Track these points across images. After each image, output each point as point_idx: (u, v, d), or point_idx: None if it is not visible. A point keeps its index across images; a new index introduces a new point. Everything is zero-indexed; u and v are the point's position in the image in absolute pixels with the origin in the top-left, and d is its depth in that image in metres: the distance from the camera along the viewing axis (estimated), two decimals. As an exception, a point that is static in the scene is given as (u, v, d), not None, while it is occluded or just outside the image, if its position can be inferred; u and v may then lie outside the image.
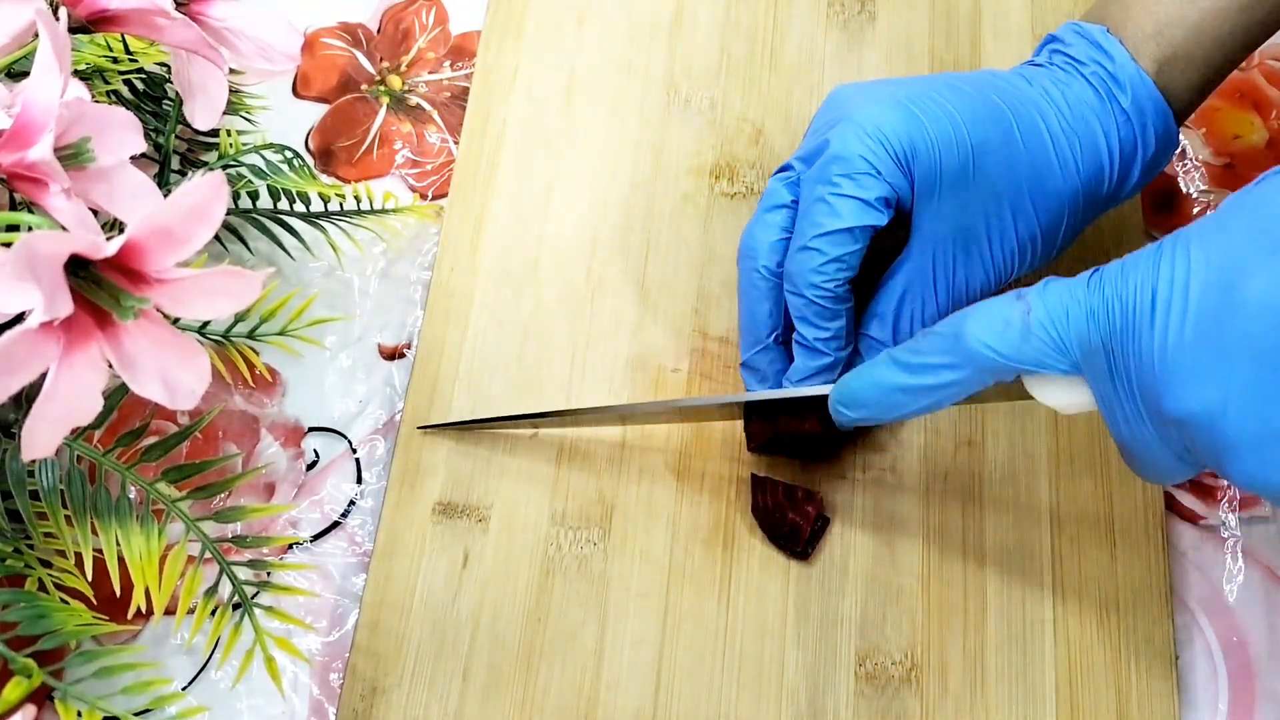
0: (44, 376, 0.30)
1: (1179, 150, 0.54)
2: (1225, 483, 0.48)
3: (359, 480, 0.48)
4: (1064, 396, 0.36)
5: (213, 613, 0.41)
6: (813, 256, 0.41)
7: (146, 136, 0.37)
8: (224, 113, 0.42)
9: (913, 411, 0.38)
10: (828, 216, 0.41)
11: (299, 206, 0.50)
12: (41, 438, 0.31)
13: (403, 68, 0.57)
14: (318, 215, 0.50)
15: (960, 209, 0.42)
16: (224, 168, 0.48)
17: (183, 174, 0.50)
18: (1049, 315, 0.35)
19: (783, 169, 0.45)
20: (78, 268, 0.31)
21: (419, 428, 0.48)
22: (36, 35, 0.34)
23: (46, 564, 0.41)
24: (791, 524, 0.44)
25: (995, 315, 0.35)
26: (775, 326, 0.45)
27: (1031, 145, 0.42)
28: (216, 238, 0.38)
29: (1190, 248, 0.32)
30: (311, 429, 0.49)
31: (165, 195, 0.36)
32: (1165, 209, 0.53)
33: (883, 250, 0.43)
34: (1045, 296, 0.35)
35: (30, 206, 0.33)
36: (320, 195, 0.50)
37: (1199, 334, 0.31)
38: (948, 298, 0.43)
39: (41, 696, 0.44)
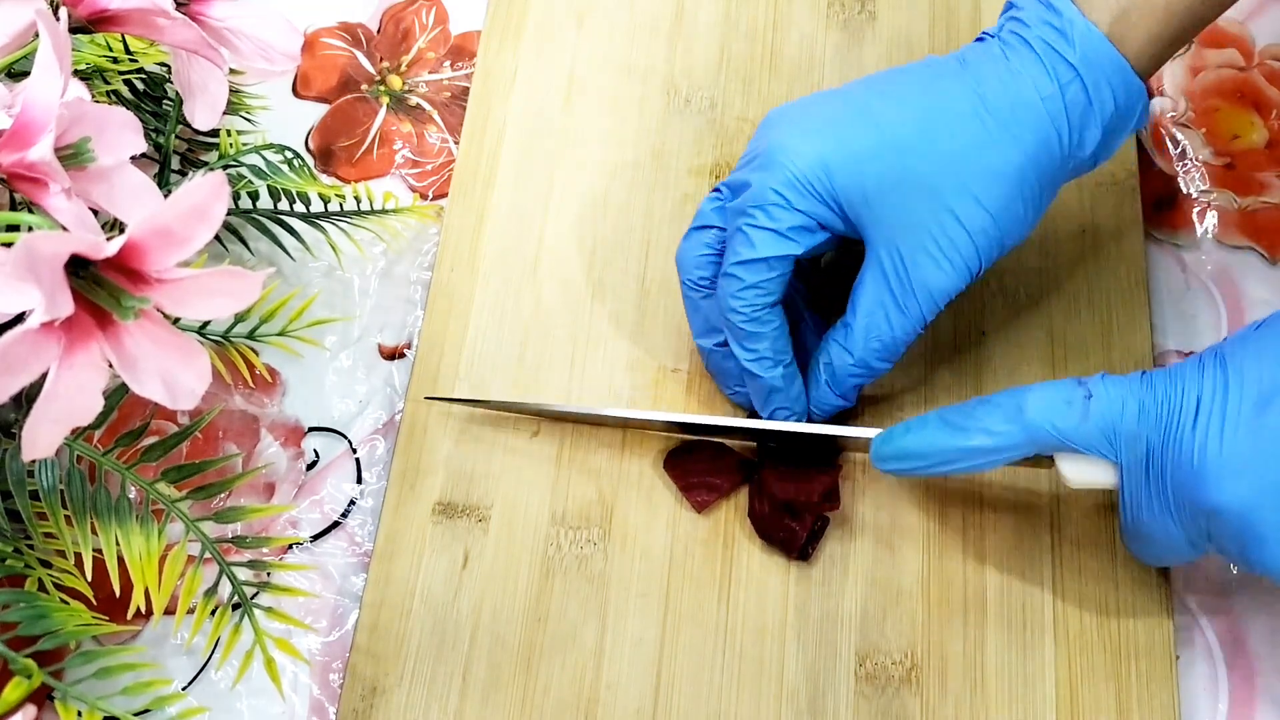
0: (44, 376, 0.30)
1: (1179, 151, 0.54)
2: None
3: (359, 480, 0.48)
4: (1088, 474, 0.40)
5: (212, 613, 0.41)
6: (732, 283, 0.43)
7: (146, 136, 0.37)
8: (224, 113, 0.42)
9: (956, 469, 0.41)
10: (744, 246, 0.42)
11: (299, 207, 0.50)
12: (42, 438, 0.31)
13: (403, 68, 0.57)
14: (318, 215, 0.50)
15: (898, 212, 0.41)
16: (224, 168, 0.48)
17: (183, 174, 0.50)
18: (1108, 404, 0.39)
19: (715, 191, 0.45)
20: (78, 268, 0.31)
21: (426, 397, 0.48)
22: (36, 35, 0.34)
23: (46, 564, 0.41)
24: (787, 530, 0.44)
25: (1058, 396, 0.39)
26: (710, 332, 0.46)
27: (959, 130, 0.41)
28: (217, 238, 0.38)
29: (1227, 355, 0.37)
30: (311, 429, 0.49)
31: (165, 195, 0.36)
32: (1165, 209, 0.53)
33: (857, 259, 0.44)
34: (1104, 387, 0.39)
35: (30, 206, 0.33)
36: (320, 195, 0.50)
37: (1237, 437, 0.36)
38: (911, 300, 0.42)
39: (41, 697, 0.44)
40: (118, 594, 0.39)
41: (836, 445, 0.46)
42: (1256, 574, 0.37)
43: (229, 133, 0.49)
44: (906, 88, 0.43)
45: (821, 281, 0.48)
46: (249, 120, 0.53)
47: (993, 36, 0.43)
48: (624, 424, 0.47)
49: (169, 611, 0.45)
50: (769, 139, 0.43)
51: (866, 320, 0.43)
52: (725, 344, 0.45)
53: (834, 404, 0.45)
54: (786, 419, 0.45)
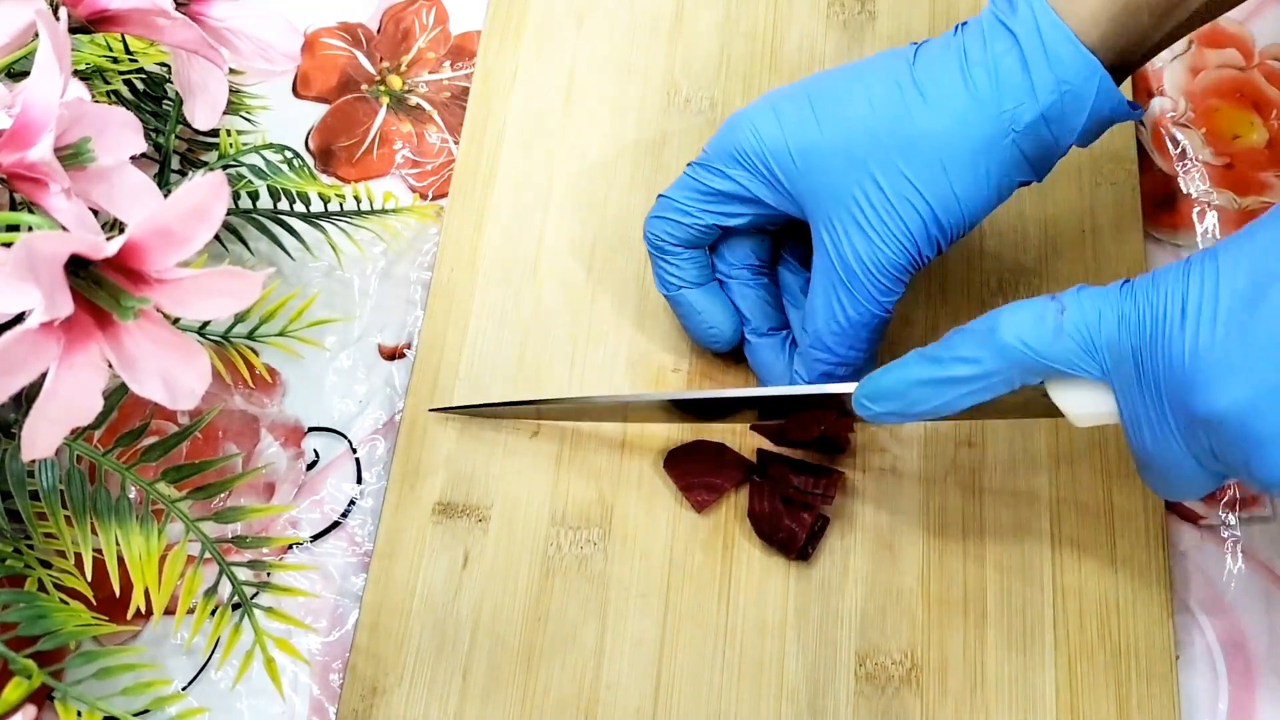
0: (44, 376, 0.30)
1: (1179, 151, 0.54)
2: (1227, 483, 0.48)
3: (359, 480, 0.48)
4: (1086, 404, 0.37)
5: (212, 613, 0.41)
6: (657, 207, 0.46)
7: (146, 136, 0.37)
8: (224, 113, 0.42)
9: (938, 406, 0.39)
10: (676, 188, 0.46)
11: (299, 207, 0.50)
12: (41, 438, 0.31)
13: (403, 68, 0.57)
14: (318, 215, 0.50)
15: (825, 182, 0.42)
16: (224, 168, 0.48)
17: (183, 174, 0.50)
18: (1082, 316, 0.36)
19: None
20: (78, 268, 0.31)
21: (430, 410, 0.48)
22: (36, 35, 0.34)
23: (46, 564, 0.41)
24: (786, 531, 0.44)
25: (1029, 312, 0.37)
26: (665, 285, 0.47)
27: (879, 100, 0.41)
28: (216, 238, 0.38)
29: (1219, 258, 0.34)
30: (311, 429, 0.49)
31: (165, 195, 0.36)
32: (1165, 208, 0.53)
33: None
34: (1079, 299, 0.36)
35: (30, 206, 0.33)
36: (320, 195, 0.50)
37: (1229, 335, 0.33)
38: (855, 278, 0.42)
39: (41, 697, 0.44)
40: (118, 594, 0.39)
41: (839, 445, 0.46)
42: (1266, 489, 0.34)
43: (229, 133, 0.49)
44: (852, 69, 0.43)
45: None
46: (249, 120, 0.53)
47: (960, 26, 0.43)
48: (624, 411, 0.47)
49: (169, 611, 0.45)
50: (727, 120, 0.45)
51: (821, 300, 0.43)
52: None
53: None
54: (715, 345, 0.47)
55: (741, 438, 0.47)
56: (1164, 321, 0.34)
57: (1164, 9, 0.40)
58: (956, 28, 0.43)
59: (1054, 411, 0.39)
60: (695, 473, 0.46)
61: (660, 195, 0.46)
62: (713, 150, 0.45)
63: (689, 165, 0.46)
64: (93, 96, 0.36)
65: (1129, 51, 0.41)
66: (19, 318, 0.31)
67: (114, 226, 0.39)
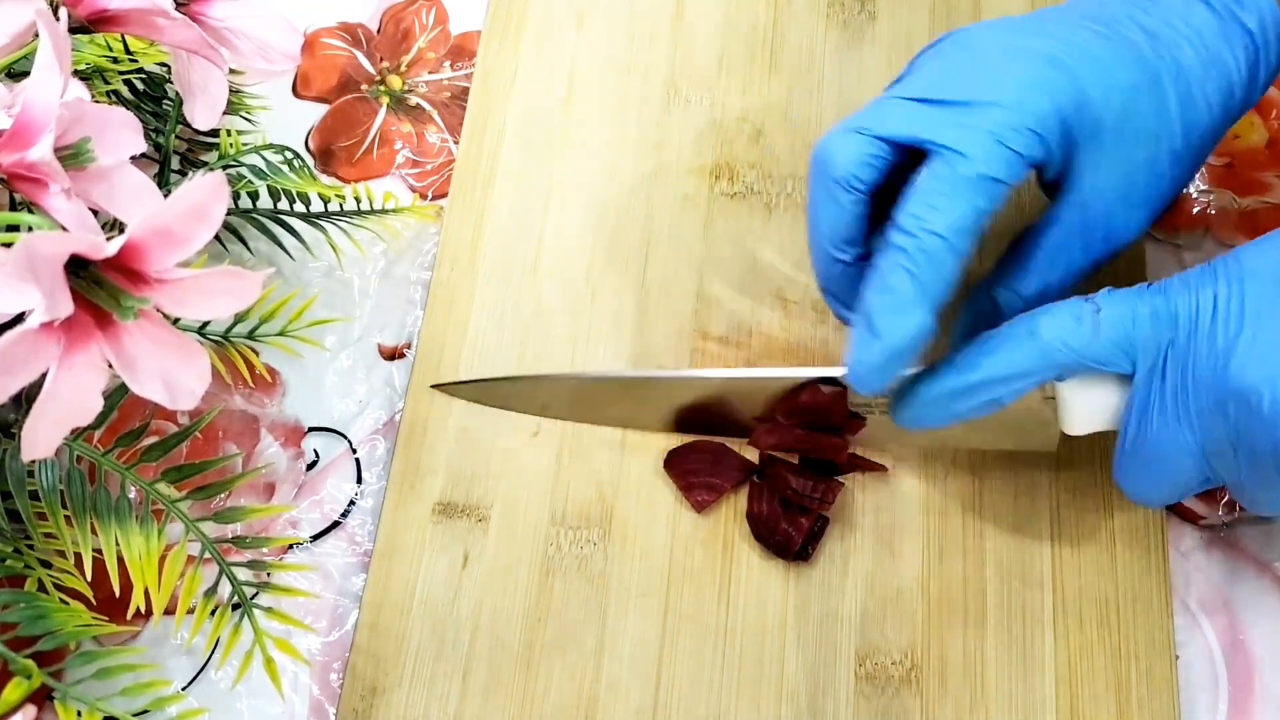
0: (44, 376, 0.30)
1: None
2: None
3: (359, 480, 0.48)
4: (1094, 401, 0.40)
5: (212, 613, 0.41)
6: (928, 210, 0.38)
7: (146, 136, 0.37)
8: (224, 113, 0.42)
9: (972, 410, 0.40)
10: (979, 156, 0.38)
11: (299, 207, 0.50)
12: (41, 438, 0.31)
13: (403, 68, 0.57)
14: (318, 215, 0.50)
15: (1120, 159, 0.41)
16: (224, 168, 0.48)
17: (183, 174, 0.50)
18: (1117, 314, 0.38)
19: (899, 95, 0.41)
20: (78, 268, 0.31)
21: (432, 386, 0.48)
22: (36, 35, 0.34)
23: (46, 564, 0.41)
24: (783, 534, 0.44)
25: (1067, 314, 0.38)
26: (856, 249, 0.42)
27: (1177, 84, 0.41)
28: (216, 238, 0.38)
29: (1242, 258, 0.37)
30: (311, 429, 0.49)
31: (165, 195, 0.36)
32: (1165, 209, 0.53)
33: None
34: (1111, 299, 0.38)
35: (30, 206, 0.33)
36: (320, 195, 0.50)
37: (1262, 319, 0.35)
38: (1103, 247, 0.43)
39: (41, 697, 0.44)
40: (117, 594, 0.39)
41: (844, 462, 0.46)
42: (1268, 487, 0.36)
43: (229, 133, 0.49)
44: (1117, 30, 0.41)
45: None
46: (249, 120, 0.53)
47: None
48: (628, 408, 0.47)
49: (169, 612, 0.45)
50: (992, 72, 0.40)
51: (1061, 262, 0.43)
52: (865, 257, 0.41)
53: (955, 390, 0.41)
54: (867, 384, 0.40)
55: (740, 441, 0.47)
56: (1197, 312, 0.37)
57: None
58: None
59: (1042, 423, 0.41)
60: (695, 473, 0.46)
61: (941, 176, 0.39)
62: (1004, 100, 0.39)
63: (960, 135, 0.38)
64: (93, 96, 0.36)
65: None
66: (19, 318, 0.31)
67: (114, 226, 0.39)
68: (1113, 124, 0.41)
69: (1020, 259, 0.43)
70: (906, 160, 0.40)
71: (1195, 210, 0.53)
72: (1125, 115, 0.41)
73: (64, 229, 0.32)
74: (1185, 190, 0.53)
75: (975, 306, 0.44)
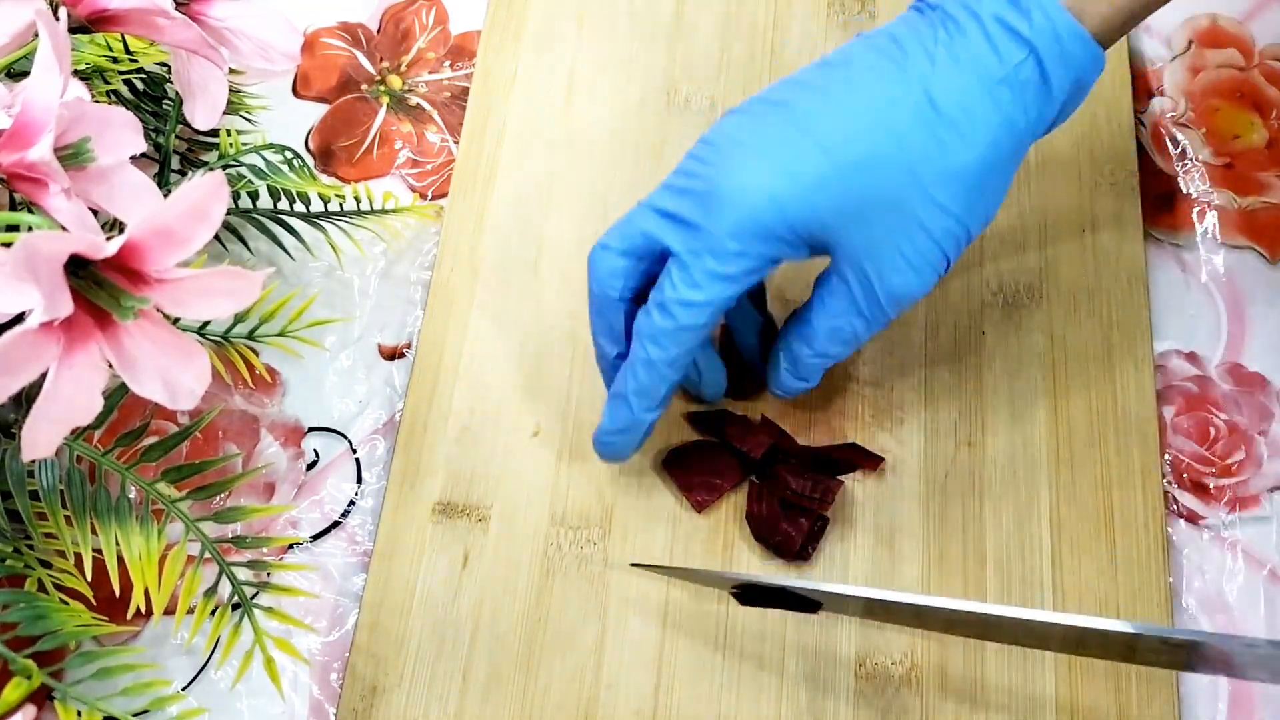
0: (44, 376, 0.30)
1: (1179, 151, 0.54)
2: (1225, 482, 0.48)
3: (359, 480, 0.48)
4: None
5: (212, 613, 0.41)
6: (666, 318, 0.41)
7: (146, 136, 0.37)
8: (224, 113, 0.42)
9: None
10: (687, 287, 0.40)
11: (299, 206, 0.50)
12: (41, 438, 0.31)
13: (403, 68, 0.57)
14: (318, 215, 0.50)
15: (861, 232, 0.40)
16: (224, 168, 0.48)
17: (183, 174, 0.50)
18: None
19: (649, 205, 0.42)
20: (78, 268, 0.31)
21: (632, 564, 0.46)
22: (36, 35, 0.34)
23: (46, 564, 0.41)
24: (783, 534, 0.44)
25: None
26: (617, 347, 0.44)
27: (910, 140, 0.39)
28: (216, 238, 0.38)
29: None
30: (311, 429, 0.49)
31: (165, 195, 0.36)
32: (1165, 208, 0.53)
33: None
34: None
35: (30, 206, 0.33)
36: (320, 195, 0.50)
37: None
38: (878, 309, 0.41)
39: (41, 697, 0.44)
40: (117, 594, 0.39)
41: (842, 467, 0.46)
42: None
43: (229, 133, 0.49)
44: (846, 93, 0.40)
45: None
46: (249, 120, 0.53)
47: (933, 8, 0.40)
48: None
49: (169, 611, 0.45)
50: (715, 178, 0.40)
51: (831, 324, 0.42)
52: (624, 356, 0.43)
53: (797, 386, 0.44)
54: (619, 458, 0.45)
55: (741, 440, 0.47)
56: None
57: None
58: (930, 12, 0.40)
59: None
60: (696, 472, 0.46)
61: (665, 303, 0.41)
62: (716, 230, 0.40)
63: (688, 256, 0.40)
64: (93, 96, 0.36)
65: (1116, 36, 0.40)
66: (19, 318, 0.31)
67: (114, 226, 0.39)
68: (834, 203, 0.39)
69: (807, 319, 0.43)
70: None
71: (1195, 210, 0.53)
72: (847, 192, 0.39)
73: (64, 229, 0.32)
74: (1185, 191, 0.53)
75: (786, 351, 0.44)
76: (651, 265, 0.42)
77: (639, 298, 0.43)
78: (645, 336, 0.41)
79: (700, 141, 0.42)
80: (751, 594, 0.42)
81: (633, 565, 0.45)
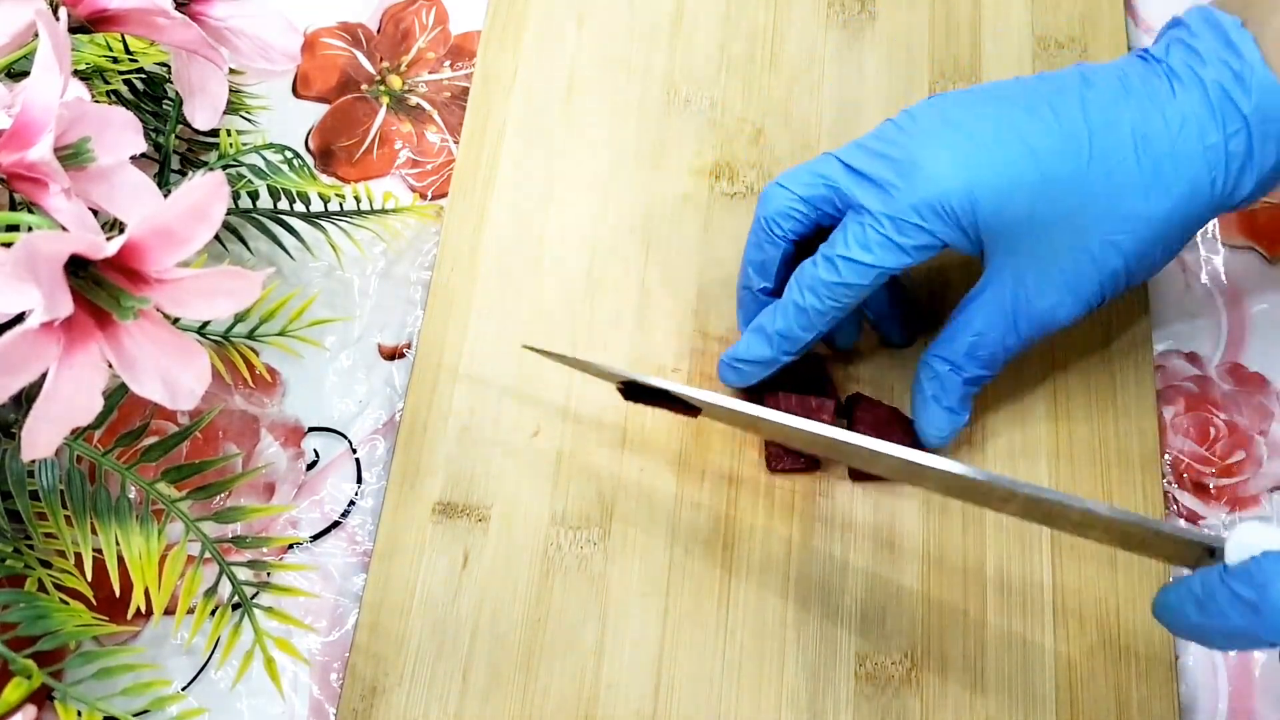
0: (44, 376, 0.30)
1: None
2: (1225, 482, 0.48)
3: (359, 480, 0.48)
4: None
5: (212, 613, 0.41)
6: (828, 270, 0.42)
7: (146, 136, 0.37)
8: (224, 113, 0.42)
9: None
10: (859, 247, 0.41)
11: (299, 206, 0.50)
12: (41, 438, 0.31)
13: (403, 68, 0.57)
14: (318, 215, 0.50)
15: (1036, 244, 0.41)
16: (224, 168, 0.48)
17: (183, 174, 0.50)
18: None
19: (838, 158, 0.43)
20: (78, 268, 0.31)
21: (525, 346, 0.48)
22: (36, 35, 0.34)
23: (46, 564, 0.41)
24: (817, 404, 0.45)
25: (1209, 592, 0.34)
26: (765, 282, 0.45)
27: (1117, 170, 0.40)
28: (216, 238, 0.38)
29: None
30: (311, 429, 0.49)
31: (165, 195, 0.36)
32: (1165, 209, 0.53)
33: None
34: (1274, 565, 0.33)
35: (30, 206, 0.33)
36: (320, 195, 0.50)
37: None
38: (1029, 326, 0.42)
39: (41, 697, 0.44)
40: (118, 594, 0.39)
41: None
42: None
43: (229, 133, 0.49)
44: (1064, 109, 0.41)
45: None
46: (249, 120, 0.53)
47: (1158, 61, 0.41)
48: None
49: (169, 611, 0.45)
50: (917, 150, 0.41)
51: (977, 339, 0.43)
52: (771, 293, 0.45)
53: (948, 422, 0.45)
54: (741, 384, 0.46)
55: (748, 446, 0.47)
56: None
57: None
58: (1158, 64, 0.41)
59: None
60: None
61: (830, 256, 0.42)
62: (902, 201, 0.40)
63: (866, 215, 0.41)
64: (93, 96, 0.36)
65: None
66: (19, 318, 0.31)
67: (114, 226, 0.39)
68: (1020, 211, 0.40)
69: (950, 335, 0.44)
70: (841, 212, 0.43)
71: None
72: (1035, 203, 0.40)
73: (64, 229, 0.32)
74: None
75: (927, 371, 0.45)
76: (822, 216, 0.43)
77: (798, 243, 0.44)
78: (805, 284, 0.42)
79: (904, 112, 0.43)
80: (636, 391, 0.44)
81: (524, 347, 0.48)
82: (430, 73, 0.57)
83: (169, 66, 0.48)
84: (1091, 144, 0.40)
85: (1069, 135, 0.40)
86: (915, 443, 0.45)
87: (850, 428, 0.45)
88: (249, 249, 0.51)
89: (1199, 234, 0.52)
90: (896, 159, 0.41)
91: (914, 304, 0.49)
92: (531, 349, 0.47)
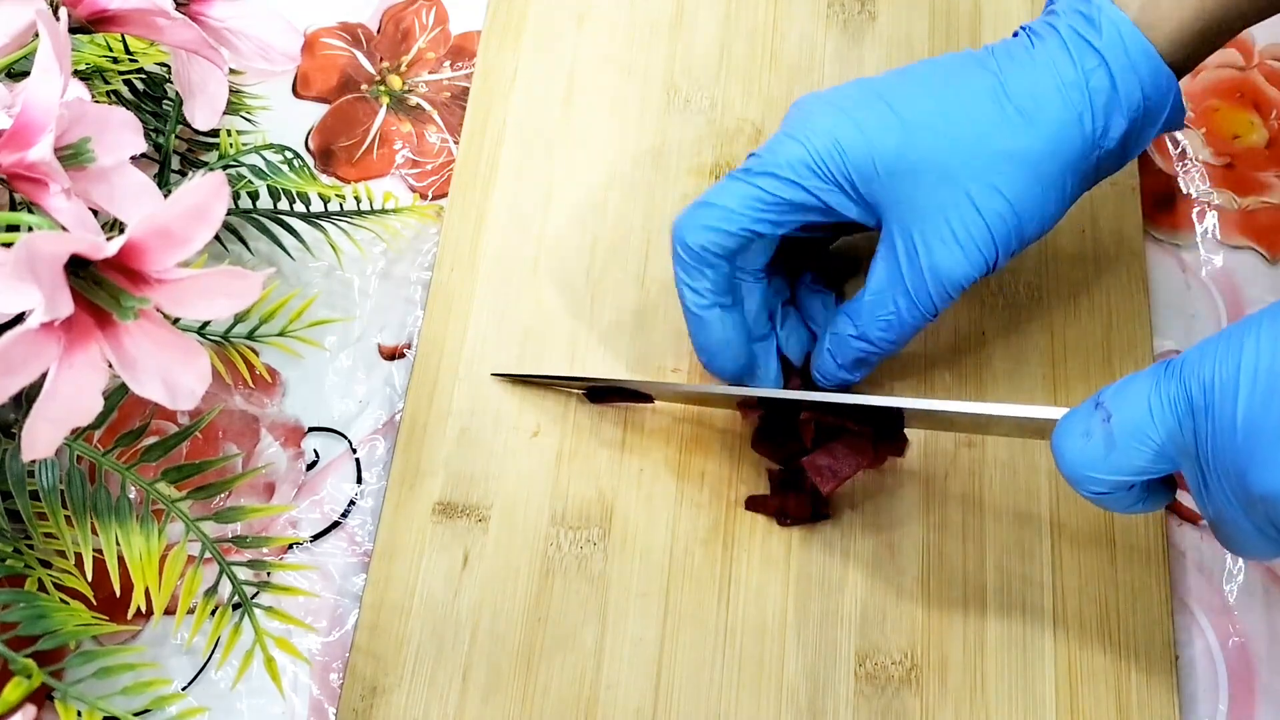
0: (44, 376, 0.30)
1: (1179, 151, 0.54)
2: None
3: (359, 480, 0.48)
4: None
5: (212, 613, 0.41)
6: (701, 214, 0.43)
7: (146, 136, 0.37)
8: (224, 113, 0.42)
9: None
10: (727, 195, 0.43)
11: (299, 207, 0.50)
12: (41, 438, 0.31)
13: (403, 68, 0.57)
14: (318, 215, 0.50)
15: (913, 195, 0.41)
16: (224, 168, 0.48)
17: (183, 174, 0.50)
18: (1132, 418, 0.34)
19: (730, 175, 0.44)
20: (78, 268, 0.31)
21: (492, 374, 0.49)
22: (36, 35, 0.34)
23: (46, 564, 0.41)
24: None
25: (1076, 428, 0.35)
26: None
27: (976, 114, 0.41)
28: (217, 238, 0.38)
29: (1261, 328, 0.32)
30: (311, 429, 0.49)
31: (165, 195, 0.36)
32: (1165, 209, 0.53)
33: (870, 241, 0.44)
34: (1121, 400, 0.34)
35: (30, 206, 0.33)
36: (320, 195, 0.50)
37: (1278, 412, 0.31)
38: (923, 287, 0.42)
39: (41, 697, 0.44)
40: (118, 594, 0.39)
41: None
42: None
43: (229, 133, 0.49)
44: (928, 74, 0.43)
45: (832, 265, 0.49)
46: (249, 120, 0.53)
47: (1024, 29, 0.43)
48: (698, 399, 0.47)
49: (169, 611, 0.45)
50: (787, 120, 0.43)
51: (874, 299, 0.43)
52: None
53: (835, 374, 0.46)
54: (724, 374, 0.46)
55: (744, 446, 0.47)
56: (1215, 397, 0.33)
57: (1235, 22, 0.42)
58: (1022, 32, 0.43)
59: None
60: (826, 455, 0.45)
61: (702, 202, 0.43)
62: (779, 157, 0.42)
63: (742, 172, 0.43)
64: (93, 96, 0.36)
65: (1190, 61, 0.42)
66: (19, 318, 0.31)
67: (114, 226, 0.39)
68: (888, 157, 0.41)
69: (856, 297, 0.44)
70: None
71: (1195, 210, 0.53)
72: (901, 148, 0.41)
73: (64, 229, 0.32)
74: (1185, 191, 0.53)
75: (831, 328, 0.45)
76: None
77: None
78: (679, 230, 0.44)
79: (792, 105, 0.45)
80: (597, 393, 0.48)
81: (492, 375, 0.49)
82: (430, 73, 0.57)
83: (169, 66, 0.48)
84: (950, 92, 0.42)
85: (929, 90, 0.42)
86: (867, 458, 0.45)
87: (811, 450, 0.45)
88: (249, 249, 0.51)
89: (1199, 234, 0.52)
90: (777, 137, 0.43)
91: (839, 293, 0.50)
92: (499, 375, 0.49)
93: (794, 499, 0.45)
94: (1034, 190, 0.41)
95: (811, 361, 0.47)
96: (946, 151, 0.41)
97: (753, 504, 0.46)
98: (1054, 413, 0.38)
